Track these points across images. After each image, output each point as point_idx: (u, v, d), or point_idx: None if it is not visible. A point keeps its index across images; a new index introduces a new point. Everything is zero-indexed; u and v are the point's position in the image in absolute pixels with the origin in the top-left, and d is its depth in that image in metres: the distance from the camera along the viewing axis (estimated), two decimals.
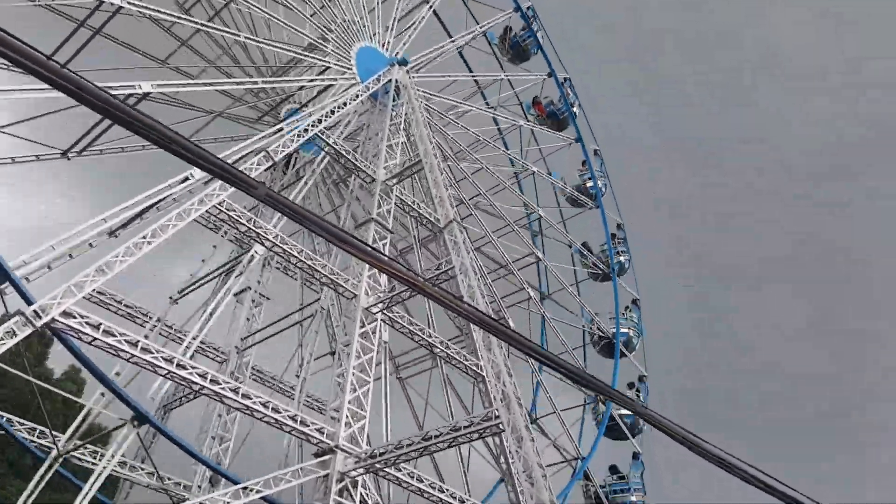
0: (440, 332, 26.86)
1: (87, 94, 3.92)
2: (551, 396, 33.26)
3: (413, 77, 32.00)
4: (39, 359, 36.96)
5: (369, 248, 5.43)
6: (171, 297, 26.97)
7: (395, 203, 26.32)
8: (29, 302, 16.23)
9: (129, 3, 23.64)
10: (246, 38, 29.26)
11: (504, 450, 20.45)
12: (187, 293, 27.05)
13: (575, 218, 40.50)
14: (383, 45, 32.97)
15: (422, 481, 22.16)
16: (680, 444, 6.60)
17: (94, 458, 21.40)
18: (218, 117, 32.14)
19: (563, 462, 31.83)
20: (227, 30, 29.75)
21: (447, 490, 22.85)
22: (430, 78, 35.25)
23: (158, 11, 26.16)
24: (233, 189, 20.89)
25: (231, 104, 31.74)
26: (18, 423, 21.62)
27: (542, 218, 38.11)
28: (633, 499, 31.24)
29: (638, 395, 34.28)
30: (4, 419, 21.30)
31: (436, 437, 18.60)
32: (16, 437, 21.16)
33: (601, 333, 36.64)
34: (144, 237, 18.79)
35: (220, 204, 20.49)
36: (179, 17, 28.37)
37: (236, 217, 21.35)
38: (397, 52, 32.09)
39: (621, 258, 39.46)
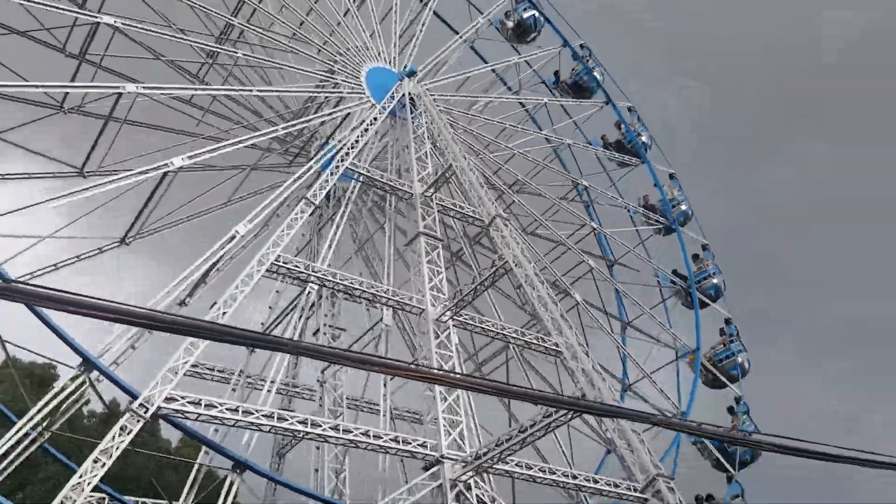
0: (511, 321, 27.53)
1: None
2: (638, 362, 33.32)
3: (426, 84, 32.54)
4: (155, 434, 39.20)
5: (391, 362, 6.13)
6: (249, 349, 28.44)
7: (438, 209, 27.01)
8: (134, 396, 17.63)
9: (144, 88, 25.02)
10: (259, 90, 30.43)
11: (600, 422, 21.05)
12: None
13: (627, 179, 39.99)
14: (390, 62, 33.62)
15: (531, 468, 22.96)
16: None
17: None
18: (254, 171, 33.62)
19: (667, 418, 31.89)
20: (241, 88, 30.99)
21: (558, 471, 23.56)
22: (446, 80, 35.58)
23: (176, 89, 27.54)
24: (284, 244, 22.05)
25: (261, 156, 32.99)
26: (143, 502, 23.36)
27: (588, 187, 37.91)
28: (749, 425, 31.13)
29: (732, 339, 34.05)
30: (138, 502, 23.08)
31: (531, 426, 19.20)
32: None
33: (681, 286, 36.28)
34: (220, 308, 20.01)
35: (276, 260, 21.59)
36: (196, 89, 29.78)
37: (294, 267, 22.44)
38: (404, 66, 32.65)
39: (682, 207, 38.94)
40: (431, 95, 31.54)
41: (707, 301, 35.61)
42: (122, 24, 25.44)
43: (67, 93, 26.79)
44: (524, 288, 21.59)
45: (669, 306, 35.95)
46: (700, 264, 37.06)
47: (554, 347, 25.33)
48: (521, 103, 39.18)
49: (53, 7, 24.54)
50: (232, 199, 32.57)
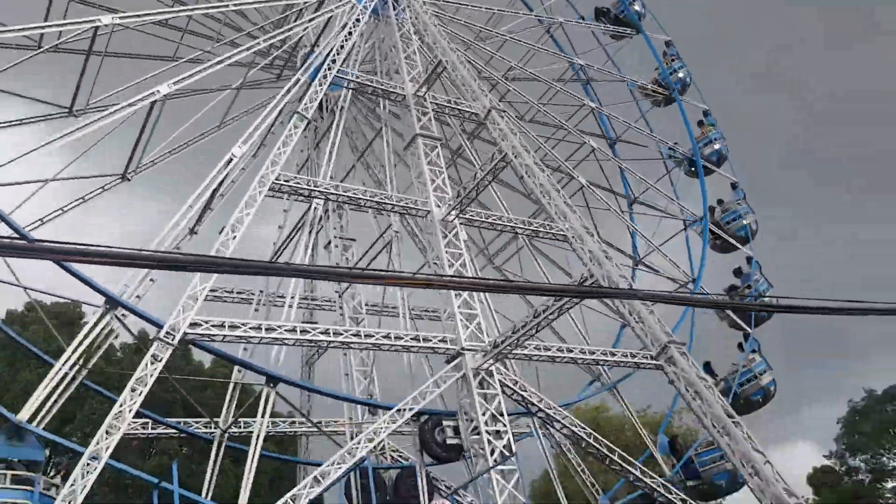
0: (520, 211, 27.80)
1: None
2: (647, 235, 33.65)
3: None
4: (187, 357, 40.62)
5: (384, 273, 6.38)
6: None
7: (433, 108, 26.74)
8: (158, 326, 18.31)
9: (119, 18, 24.44)
10: (235, 3, 29.48)
11: (612, 300, 21.63)
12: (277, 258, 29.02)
13: (623, 54, 39.08)
14: None
15: (549, 349, 23.86)
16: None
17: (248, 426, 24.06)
18: (242, 90, 33.07)
19: (679, 287, 32.54)
20: (218, 3, 30.01)
21: (575, 349, 24.47)
22: None
23: (152, 14, 26.76)
24: (283, 161, 22.08)
25: (247, 73, 32.26)
26: (184, 422, 24.65)
27: (584, 66, 37.15)
28: (763, 382, 30.90)
29: (727, 210, 34.31)
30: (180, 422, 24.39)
31: (544, 311, 19.81)
32: (189, 432, 24.17)
33: (684, 155, 36.15)
34: (228, 234, 20.35)
35: (277, 179, 21.72)
36: (172, 11, 28.90)
37: (295, 185, 22.59)
38: None
39: (679, 74, 38.26)
40: None
41: (711, 167, 35.57)
42: None
43: (43, 33, 26.21)
44: (525, 178, 21.67)
45: (674, 178, 35.99)
46: (702, 130, 36.91)
47: (560, 233, 25.64)
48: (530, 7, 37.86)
49: None
50: (224, 121, 32.25)
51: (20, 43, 27.15)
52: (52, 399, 17.38)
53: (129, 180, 28.40)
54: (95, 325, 18.29)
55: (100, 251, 5.37)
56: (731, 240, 33.10)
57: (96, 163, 26.90)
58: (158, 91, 22.62)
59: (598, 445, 23.11)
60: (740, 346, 30.09)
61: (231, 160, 21.84)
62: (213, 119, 30.85)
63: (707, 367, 29.25)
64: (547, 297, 19.95)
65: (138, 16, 25.53)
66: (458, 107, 27.13)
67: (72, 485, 15.51)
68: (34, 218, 22.92)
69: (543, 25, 37.74)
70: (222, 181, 22.43)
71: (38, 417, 16.84)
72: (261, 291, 28.54)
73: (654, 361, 23.46)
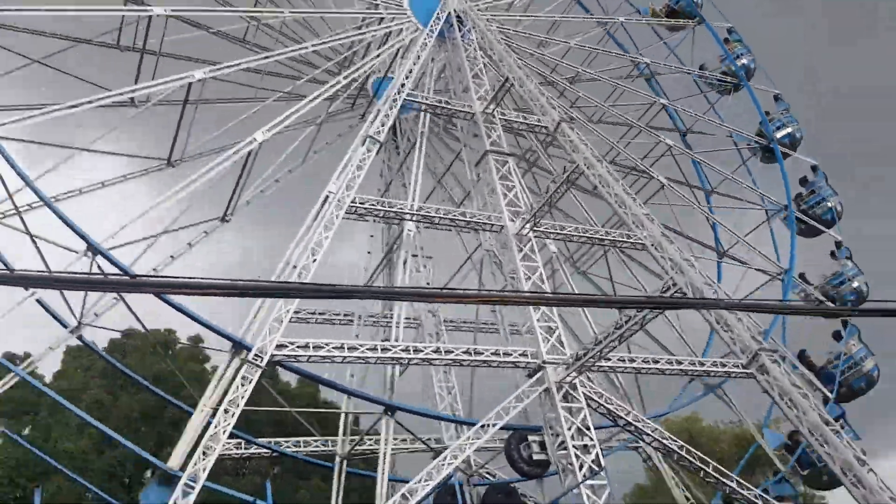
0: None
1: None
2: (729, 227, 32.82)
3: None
4: (274, 378, 41.84)
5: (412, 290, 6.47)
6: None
7: (502, 124, 26.87)
8: (247, 348, 18.95)
9: (210, 72, 25.44)
10: (313, 44, 30.10)
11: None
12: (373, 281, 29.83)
13: (684, 45, 38.54)
14: None
15: (633, 361, 23.38)
16: None
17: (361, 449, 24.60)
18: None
19: (770, 280, 31.42)
20: (298, 46, 30.74)
21: (661, 359, 23.89)
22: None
23: (242, 63, 27.58)
24: (357, 184, 22.61)
25: (329, 107, 32.98)
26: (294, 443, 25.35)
27: (649, 63, 36.80)
28: (855, 285, 30.76)
29: (812, 193, 33.17)
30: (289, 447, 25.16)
31: (626, 321, 19.45)
32: (307, 460, 24.92)
33: (759, 142, 35.33)
34: (308, 258, 20.95)
35: (353, 202, 22.25)
36: (259, 59, 29.53)
37: (371, 206, 23.08)
38: None
39: (743, 60, 37.50)
40: (476, 6, 30.85)
41: (788, 151, 34.47)
42: (172, 10, 26.11)
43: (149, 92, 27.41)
44: (599, 188, 21.45)
45: (750, 166, 35.17)
46: (774, 115, 36.11)
47: (639, 241, 25.19)
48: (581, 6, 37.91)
49: (113, 10, 25.72)
50: (307, 156, 33.06)
51: (117, 101, 28.68)
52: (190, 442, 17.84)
53: (227, 222, 29.52)
54: (226, 370, 18.79)
55: (196, 283, 5.77)
56: (818, 224, 31.97)
57: (191, 207, 28.26)
58: (255, 139, 23.46)
59: (690, 458, 22.38)
60: (836, 335, 28.84)
61: (328, 197, 22.40)
62: (295, 153, 31.67)
63: (803, 356, 28.30)
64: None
65: (228, 66, 26.40)
66: (528, 121, 27.14)
67: None
68: (149, 267, 24.25)
69: (603, 27, 37.65)
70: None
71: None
72: (344, 315, 29.28)
73: (745, 370, 22.75)
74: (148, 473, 35.29)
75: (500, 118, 26.59)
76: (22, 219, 20.04)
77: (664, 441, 22.63)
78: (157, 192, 21.58)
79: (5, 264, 19.16)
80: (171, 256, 26.27)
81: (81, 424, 37.14)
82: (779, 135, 35.30)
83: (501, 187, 24.62)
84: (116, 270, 19.73)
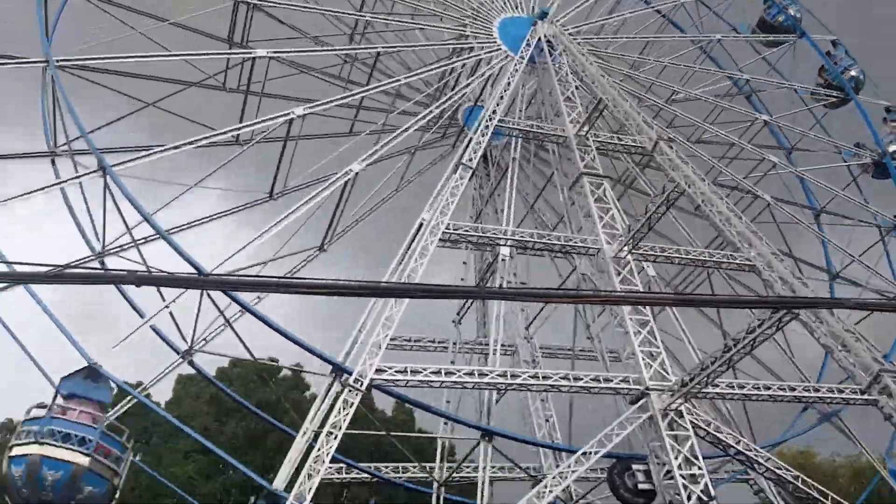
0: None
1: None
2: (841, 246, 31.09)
3: (563, 21, 31.86)
4: (369, 406, 42.36)
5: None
6: (453, 321, 30.03)
7: (597, 147, 26.54)
8: (348, 372, 19.25)
9: (308, 108, 26.43)
10: (406, 78, 30.87)
11: (811, 328, 19.94)
12: (464, 314, 29.90)
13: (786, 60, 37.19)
14: (518, 8, 33.14)
15: (743, 387, 22.21)
16: None
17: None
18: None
19: (889, 299, 29.40)
20: (391, 80, 31.53)
21: (773, 385, 22.60)
22: (574, 10, 34.47)
23: (338, 99, 28.50)
24: (451, 211, 22.79)
25: (421, 137, 33.58)
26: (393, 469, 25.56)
27: (749, 80, 35.64)
28: None
29: None
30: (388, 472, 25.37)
31: (734, 344, 18.59)
32: (407, 486, 25.10)
33: (871, 158, 33.41)
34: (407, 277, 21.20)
35: (447, 228, 22.41)
36: (354, 94, 30.47)
37: (464, 232, 23.19)
38: (532, 8, 32.09)
39: (851, 72, 35.76)
40: (567, 31, 30.79)
41: None
42: (273, 52, 27.42)
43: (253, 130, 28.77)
44: (702, 207, 20.74)
45: (861, 183, 33.19)
46: (888, 128, 34.09)
47: (746, 262, 24.14)
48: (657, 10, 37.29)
49: (216, 53, 27.45)
50: (400, 185, 33.67)
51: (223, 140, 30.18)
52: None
53: (325, 251, 30.41)
54: (327, 393, 19.28)
55: (266, 281, 5.81)
56: None
57: (296, 238, 29.25)
58: (352, 169, 24.18)
59: (807, 488, 20.98)
60: None
61: (422, 224, 22.77)
62: (390, 181, 32.40)
63: None
64: (738, 331, 18.78)
65: (326, 103, 27.41)
66: (623, 142, 26.70)
67: None
68: (252, 297, 25.28)
69: (699, 45, 36.75)
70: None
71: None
72: (439, 342, 29.49)
73: (864, 396, 21.24)
74: (252, 499, 36.31)
75: (593, 141, 26.29)
76: (140, 251, 21.34)
77: (778, 471, 21.34)
78: (262, 225, 22.45)
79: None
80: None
81: (189, 451, 38.82)
82: (891, 148, 33.38)
83: (597, 210, 24.23)
84: (229, 301, 20.69)
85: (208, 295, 20.38)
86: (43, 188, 21.04)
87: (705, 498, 18.43)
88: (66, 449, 16.28)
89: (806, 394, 22.71)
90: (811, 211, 33.64)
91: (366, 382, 18.78)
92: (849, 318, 24.18)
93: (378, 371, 19.20)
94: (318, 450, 17.46)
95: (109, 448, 16.99)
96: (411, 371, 19.65)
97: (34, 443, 16.31)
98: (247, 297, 21.38)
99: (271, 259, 23.92)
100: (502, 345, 30.19)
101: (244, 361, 38.31)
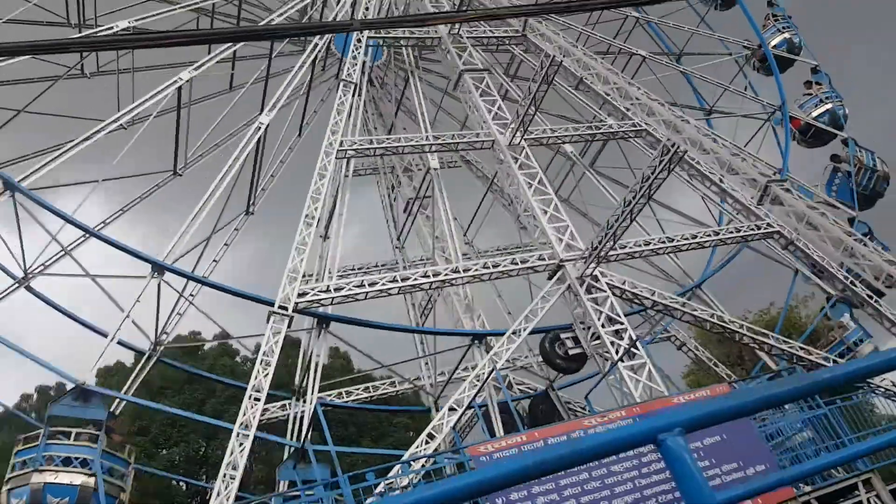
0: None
1: None
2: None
3: None
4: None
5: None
6: (395, 246, 30.94)
7: (471, 42, 26.52)
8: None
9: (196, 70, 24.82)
10: None
11: (702, 180, 20.99)
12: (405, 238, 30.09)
13: None
14: None
15: (649, 243, 23.28)
16: None
17: None
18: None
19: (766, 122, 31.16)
20: None
21: (675, 236, 23.76)
22: None
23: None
24: (342, 128, 22.40)
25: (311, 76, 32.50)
26: None
27: None
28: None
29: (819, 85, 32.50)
30: None
31: (633, 197, 19.38)
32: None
33: (751, 50, 34.37)
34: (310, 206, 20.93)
35: (341, 146, 22.13)
36: None
37: (360, 147, 23.00)
38: None
39: None
40: None
41: (787, 56, 33.59)
42: (135, 20, 25.10)
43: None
44: (582, 74, 21.20)
45: (745, 78, 34.27)
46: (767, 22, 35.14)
47: (632, 128, 24.86)
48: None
49: (78, 40, 25.09)
50: (302, 128, 32.18)
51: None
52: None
53: (252, 214, 29.33)
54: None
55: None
56: (825, 127, 30.99)
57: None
58: (262, 123, 23.12)
59: (723, 323, 22.47)
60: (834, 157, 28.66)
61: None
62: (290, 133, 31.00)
63: None
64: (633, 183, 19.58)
65: (208, 60, 25.23)
66: (495, 34, 26.79)
67: None
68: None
69: None
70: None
71: None
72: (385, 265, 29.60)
73: (762, 231, 22.67)
74: None
75: (468, 37, 26.28)
76: (75, 259, 20.54)
77: (694, 313, 22.68)
78: (175, 203, 21.76)
79: None
80: (215, 261, 26.93)
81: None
82: (774, 41, 34.41)
83: (484, 103, 24.41)
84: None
85: (167, 283, 19.94)
86: None
87: (632, 348, 19.43)
88: (70, 473, 15.62)
89: (709, 238, 24.02)
90: (702, 111, 34.27)
91: (291, 307, 18.62)
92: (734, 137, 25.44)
93: (301, 295, 19.05)
94: (255, 378, 17.34)
95: (113, 465, 16.44)
96: (334, 289, 19.58)
97: (34, 471, 15.50)
98: None
99: (210, 237, 22.99)
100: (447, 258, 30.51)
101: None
